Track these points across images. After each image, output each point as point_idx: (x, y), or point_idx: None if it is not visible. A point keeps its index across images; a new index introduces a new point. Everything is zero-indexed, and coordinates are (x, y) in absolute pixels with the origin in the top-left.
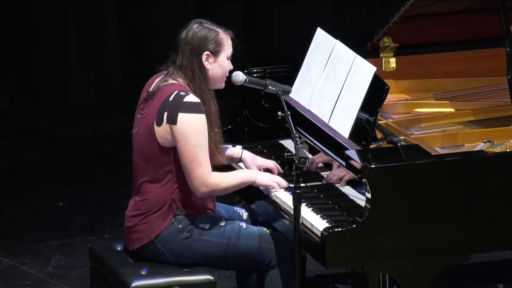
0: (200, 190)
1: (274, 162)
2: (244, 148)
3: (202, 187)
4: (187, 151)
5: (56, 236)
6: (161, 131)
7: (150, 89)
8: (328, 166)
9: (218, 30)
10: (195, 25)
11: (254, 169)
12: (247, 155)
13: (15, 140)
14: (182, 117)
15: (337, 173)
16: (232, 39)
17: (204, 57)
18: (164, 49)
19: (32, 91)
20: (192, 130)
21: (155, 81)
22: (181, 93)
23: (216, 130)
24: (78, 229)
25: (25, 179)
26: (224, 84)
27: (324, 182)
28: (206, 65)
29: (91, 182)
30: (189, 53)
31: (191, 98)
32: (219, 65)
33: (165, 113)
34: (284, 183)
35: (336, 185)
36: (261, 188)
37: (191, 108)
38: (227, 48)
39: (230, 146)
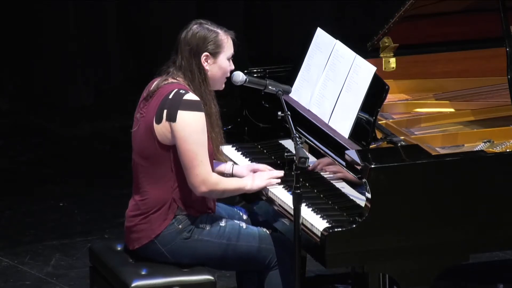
0: (200, 188)
1: (265, 165)
2: (239, 150)
3: (202, 186)
4: (187, 149)
5: (56, 236)
6: (161, 129)
7: (151, 89)
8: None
9: (218, 30)
10: (195, 26)
11: (248, 175)
12: (238, 169)
13: (15, 140)
14: (182, 114)
15: (323, 160)
16: (233, 40)
17: (203, 58)
18: (164, 49)
19: (32, 91)
20: (192, 128)
21: (156, 81)
22: (181, 91)
23: (217, 130)
24: (78, 229)
25: (25, 179)
26: (223, 86)
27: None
28: (205, 66)
29: (91, 182)
30: (188, 53)
31: (191, 96)
32: (218, 66)
33: (165, 111)
34: (276, 173)
35: (322, 173)
36: None
37: (191, 106)
38: (227, 49)
39: (221, 163)
